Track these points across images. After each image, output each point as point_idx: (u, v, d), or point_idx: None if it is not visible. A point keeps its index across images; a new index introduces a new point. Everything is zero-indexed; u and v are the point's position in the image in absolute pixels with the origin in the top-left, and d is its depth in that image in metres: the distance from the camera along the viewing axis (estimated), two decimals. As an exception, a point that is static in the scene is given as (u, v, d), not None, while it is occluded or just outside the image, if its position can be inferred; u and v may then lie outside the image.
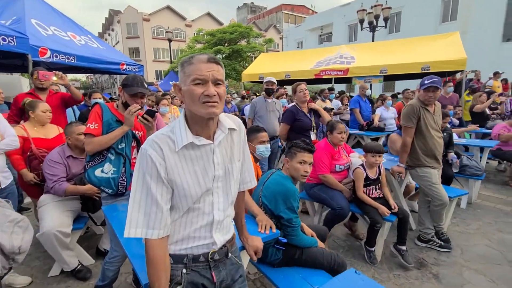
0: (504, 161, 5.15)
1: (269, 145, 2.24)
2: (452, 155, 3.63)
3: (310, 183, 2.86)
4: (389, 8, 11.20)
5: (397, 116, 5.84)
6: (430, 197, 2.71)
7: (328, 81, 8.38)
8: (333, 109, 4.75)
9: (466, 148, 4.94)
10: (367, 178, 2.60)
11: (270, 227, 1.57)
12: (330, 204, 2.63)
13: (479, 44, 13.16)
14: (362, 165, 2.66)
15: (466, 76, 7.37)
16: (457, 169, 3.68)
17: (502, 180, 4.75)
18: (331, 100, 6.28)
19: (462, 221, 3.35)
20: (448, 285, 2.30)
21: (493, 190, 4.32)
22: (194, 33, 25.21)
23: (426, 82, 2.49)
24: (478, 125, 5.47)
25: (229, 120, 1.07)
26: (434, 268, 2.50)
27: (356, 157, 2.89)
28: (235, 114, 5.31)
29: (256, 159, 2.23)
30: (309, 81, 9.18)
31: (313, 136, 3.33)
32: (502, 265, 2.51)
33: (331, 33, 23.32)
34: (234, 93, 9.81)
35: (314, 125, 3.37)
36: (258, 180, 1.97)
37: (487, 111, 5.81)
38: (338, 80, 8.55)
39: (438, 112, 2.73)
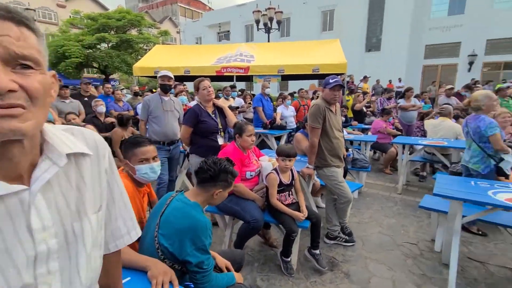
0: (378, 151, 6.09)
1: (156, 164, 1.62)
2: (350, 151, 3.93)
3: (219, 195, 2.48)
4: (281, 12, 11.94)
5: (295, 114, 6.14)
6: (337, 195, 2.75)
7: (229, 78, 8.20)
8: (238, 107, 4.51)
9: (351, 142, 5.59)
10: (280, 183, 2.40)
11: (171, 283, 1.09)
12: (243, 217, 2.32)
13: (349, 52, 15.69)
14: (275, 169, 2.45)
15: (343, 80, 8.51)
16: (350, 164, 4.01)
17: (378, 168, 5.58)
18: (234, 98, 6.07)
19: (357, 211, 3.64)
20: (359, 282, 2.33)
21: (373, 178, 4.98)
22: (70, 16, 20.99)
23: (331, 81, 2.47)
24: (357, 121, 6.32)
25: (71, 139, 0.56)
26: (344, 266, 2.53)
27: (266, 161, 2.67)
28: (130, 116, 4.38)
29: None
30: (210, 78, 8.80)
31: (220, 140, 2.95)
32: (394, 250, 2.76)
33: (229, 31, 23.56)
34: (123, 88, 8.45)
35: (221, 127, 2.99)
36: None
37: (364, 108, 6.79)
38: (239, 78, 8.49)
39: (339, 112, 2.79)
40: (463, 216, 2.18)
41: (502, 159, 2.58)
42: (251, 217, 2.26)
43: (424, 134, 4.86)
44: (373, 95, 8.26)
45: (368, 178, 4.83)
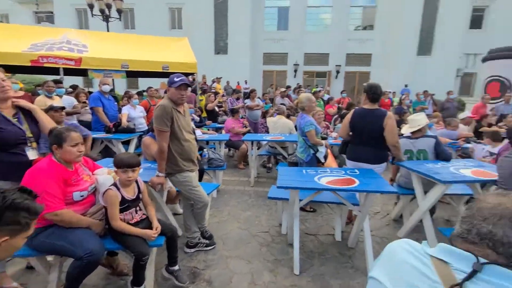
0: (232, 149, 6.47)
1: None
2: (205, 152, 3.86)
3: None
4: (121, 0, 10.61)
5: (145, 115, 5.57)
6: (193, 201, 2.60)
7: (53, 71, 6.47)
8: (63, 108, 3.54)
9: (207, 142, 5.64)
10: (123, 200, 1.99)
11: None
12: (72, 253, 1.76)
13: (200, 53, 16.02)
14: (114, 184, 2.00)
15: (194, 79, 8.56)
16: (206, 165, 3.98)
17: (233, 164, 5.92)
18: (60, 97, 4.81)
19: (217, 211, 3.65)
20: (221, 285, 2.29)
21: (229, 174, 5.22)
22: None
23: (176, 79, 2.26)
24: (211, 121, 6.47)
25: None
26: (206, 273, 2.43)
27: (105, 174, 2.16)
28: None
29: None
30: (21, 69, 6.67)
31: (31, 154, 2.15)
32: (251, 243, 2.92)
33: (52, 12, 18.89)
34: None
35: (32, 135, 2.19)
36: None
37: (216, 108, 7.04)
38: (69, 72, 6.87)
39: (187, 113, 2.63)
40: (300, 200, 2.53)
41: (317, 150, 3.22)
42: (83, 251, 1.74)
43: (267, 130, 5.52)
44: (223, 95, 8.75)
45: (224, 175, 5.00)
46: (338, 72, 18.41)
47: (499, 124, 6.20)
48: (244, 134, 5.55)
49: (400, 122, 5.51)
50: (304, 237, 3.01)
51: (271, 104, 7.47)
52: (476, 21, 17.23)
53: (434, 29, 16.34)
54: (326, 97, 9.14)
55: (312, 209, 3.62)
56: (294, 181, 2.38)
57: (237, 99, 6.93)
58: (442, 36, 16.17)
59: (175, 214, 3.41)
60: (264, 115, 6.17)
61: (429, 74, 16.07)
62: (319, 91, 9.00)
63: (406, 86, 14.73)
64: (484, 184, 3.00)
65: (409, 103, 9.28)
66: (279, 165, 4.26)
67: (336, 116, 6.77)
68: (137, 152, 4.99)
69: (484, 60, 10.06)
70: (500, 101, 7.78)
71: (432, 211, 3.05)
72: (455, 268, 0.68)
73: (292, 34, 18.25)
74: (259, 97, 8.35)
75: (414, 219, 2.82)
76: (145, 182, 2.38)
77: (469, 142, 4.47)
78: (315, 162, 3.33)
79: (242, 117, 6.48)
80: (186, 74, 8.07)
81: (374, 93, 2.83)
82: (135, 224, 2.03)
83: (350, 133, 3.03)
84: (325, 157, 3.38)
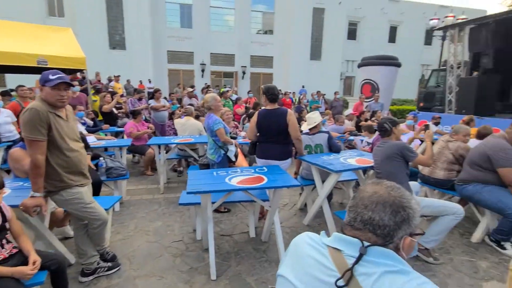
0: (137, 154, 5.88)
1: None
2: (101, 161, 3.35)
3: None
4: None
5: (16, 120, 4.48)
6: (87, 220, 2.20)
7: None
8: None
9: (105, 148, 4.96)
10: (-21, 235, 1.51)
11: None
12: None
13: (90, 47, 13.99)
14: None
15: (84, 78, 7.42)
16: (104, 175, 3.47)
17: (140, 170, 5.39)
18: None
19: (121, 226, 3.24)
20: (128, 312, 2.02)
21: (136, 183, 4.73)
22: None
23: (52, 77, 1.84)
24: (109, 124, 5.72)
25: None
26: (109, 302, 2.11)
27: None
28: None
29: None
30: None
31: None
32: (163, 256, 2.70)
33: None
34: None
35: None
36: None
37: (114, 110, 6.25)
38: None
39: (72, 117, 2.20)
40: (213, 203, 2.47)
41: (228, 149, 3.23)
42: None
43: (176, 133, 5.24)
44: (122, 95, 7.86)
45: (129, 185, 4.50)
46: (244, 73, 19.14)
47: (372, 118, 7.61)
48: (149, 137, 5.12)
49: (299, 120, 6.11)
50: (220, 239, 2.98)
51: (178, 105, 7.13)
52: (352, 33, 20.78)
53: (322, 38, 18.84)
54: (234, 97, 9.36)
55: (226, 210, 3.62)
56: (204, 185, 2.30)
57: (140, 99, 6.33)
58: (328, 44, 18.82)
59: (66, 238, 2.86)
60: (171, 116, 5.84)
61: (320, 76, 18.45)
62: (227, 91, 9.14)
63: (303, 87, 16.50)
64: (366, 170, 3.61)
65: (306, 102, 10.44)
66: (190, 168, 4.09)
67: (244, 115, 7.00)
68: (4, 168, 3.97)
69: (359, 66, 12.19)
70: (372, 100, 9.58)
71: (329, 197, 3.48)
72: (347, 255, 0.75)
73: (197, 33, 17.95)
74: (165, 97, 7.86)
75: (316, 206, 3.16)
76: (16, 206, 1.88)
77: (356, 135, 5.32)
78: (227, 162, 3.33)
79: (146, 120, 5.97)
80: (73, 71, 6.92)
81: (272, 94, 3.02)
82: (3, 262, 1.58)
83: (257, 133, 3.15)
84: (236, 156, 3.43)
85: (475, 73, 8.05)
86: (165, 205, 3.86)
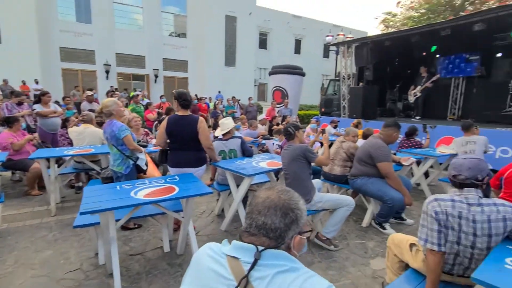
0: (18, 171, 4.82)
1: None
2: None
3: None
4: None
5: None
6: None
7: None
8: None
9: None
10: None
11: None
12: None
13: None
14: None
15: None
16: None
17: (22, 190, 4.43)
18: None
19: (-8, 264, 2.57)
20: None
21: (17, 205, 3.86)
22: None
23: None
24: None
25: None
26: None
27: None
28: None
29: None
30: None
31: None
32: (55, 290, 2.27)
33: None
34: None
35: None
36: None
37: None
38: None
39: None
40: (117, 220, 2.21)
41: (138, 158, 2.97)
42: None
43: (71, 142, 4.51)
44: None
45: (9, 209, 3.66)
46: (156, 76, 18.06)
47: (283, 123, 8.24)
48: (36, 148, 4.26)
49: (216, 125, 6.11)
50: (129, 260, 2.69)
51: (75, 111, 6.17)
52: (263, 43, 22.15)
53: (235, 45, 19.44)
54: (144, 101, 8.71)
55: (136, 225, 3.30)
56: (105, 202, 2.03)
57: (19, 104, 5.21)
58: (242, 52, 19.55)
59: None
60: (65, 124, 5.00)
61: (235, 82, 18.97)
62: (137, 95, 8.44)
63: (219, 92, 16.64)
64: (278, 171, 3.86)
65: (222, 108, 10.55)
66: (90, 183, 3.57)
67: (156, 122, 6.59)
68: None
69: (269, 74, 13.06)
70: (282, 106, 10.38)
71: (245, 200, 3.57)
72: (244, 262, 0.76)
73: (98, 30, 15.99)
74: (57, 102, 6.71)
75: (232, 210, 3.19)
76: None
77: (268, 139, 5.63)
78: (135, 173, 3.04)
79: (29, 129, 4.95)
80: None
81: (184, 99, 2.93)
82: None
83: (168, 140, 2.99)
84: (146, 165, 3.17)
85: (361, 84, 9.63)
86: (58, 229, 3.27)
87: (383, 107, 10.54)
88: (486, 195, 1.57)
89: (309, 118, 13.54)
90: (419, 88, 8.35)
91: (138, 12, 17.59)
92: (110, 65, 16.52)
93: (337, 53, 14.37)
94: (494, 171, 2.87)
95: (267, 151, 5.16)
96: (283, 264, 0.74)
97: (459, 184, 1.54)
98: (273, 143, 4.93)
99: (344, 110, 9.85)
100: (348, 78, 9.72)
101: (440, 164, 4.80)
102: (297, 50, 23.41)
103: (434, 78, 8.08)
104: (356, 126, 6.12)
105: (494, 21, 6.22)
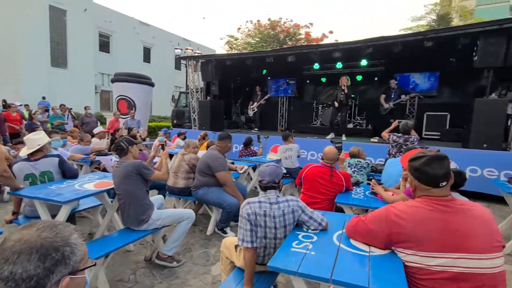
0: None
1: None
2: None
3: None
4: None
5: None
6: None
7: None
8: None
9: None
10: None
11: None
12: None
13: None
14: None
15: None
16: None
17: None
18: None
19: None
20: None
21: None
22: None
23: None
24: None
25: None
26: None
27: None
28: None
29: None
30: None
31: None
32: None
33: None
34: None
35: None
36: None
37: None
38: None
39: None
40: None
41: None
42: None
43: None
44: None
45: None
46: None
47: (129, 135, 7.50)
48: None
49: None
50: None
51: None
52: (105, 46, 19.63)
53: (66, 43, 16.22)
54: None
55: None
56: None
57: None
58: (76, 52, 16.53)
59: None
60: None
61: (68, 87, 15.78)
62: None
63: (43, 98, 13.31)
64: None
65: (44, 118, 8.44)
66: None
67: None
68: None
69: (113, 81, 11.69)
70: (128, 117, 9.48)
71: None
72: None
73: None
74: None
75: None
76: None
77: (105, 154, 4.89)
78: None
79: None
80: None
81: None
82: None
83: None
84: None
85: (208, 97, 10.23)
86: None
87: (229, 119, 11.62)
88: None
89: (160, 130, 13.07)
90: (255, 104, 9.77)
91: None
92: None
93: (186, 66, 14.73)
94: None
95: (104, 170, 4.50)
96: None
97: (264, 187, 1.86)
98: (111, 159, 4.36)
99: (194, 122, 10.13)
100: (197, 92, 10.10)
101: (270, 168, 5.74)
102: (147, 59, 22.25)
103: (266, 97, 9.68)
104: (204, 137, 6.40)
105: (302, 55, 8.17)
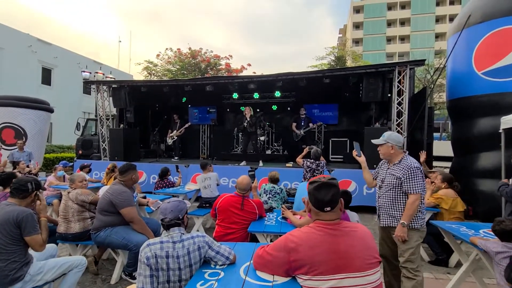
0: None
1: None
2: None
3: None
4: None
5: None
6: None
7: None
8: None
9: None
10: None
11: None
12: None
13: None
14: None
15: None
16: None
17: None
18: None
19: None
20: None
21: None
22: None
23: None
24: None
25: None
26: None
27: None
28: None
29: None
30: None
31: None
32: None
33: None
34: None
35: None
36: None
37: None
38: None
39: None
40: None
41: None
42: None
43: None
44: None
45: None
46: None
47: (14, 170, 6.16)
48: None
49: None
50: None
51: None
52: (-12, 63, 16.31)
53: None
54: None
55: None
56: None
57: None
58: None
59: None
60: None
61: None
62: None
63: None
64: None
65: None
66: None
67: None
68: None
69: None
70: (15, 148, 7.87)
71: None
72: None
73: None
74: None
75: None
76: None
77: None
78: None
79: None
80: None
81: None
82: None
83: None
84: None
85: (121, 125, 9.41)
86: None
87: (147, 148, 10.85)
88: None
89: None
90: (175, 132, 9.43)
91: None
92: None
93: (96, 91, 13.38)
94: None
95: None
96: None
97: (166, 226, 1.72)
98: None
99: (104, 152, 9.08)
100: (107, 119, 9.19)
101: (189, 199, 5.48)
102: (46, 81, 19.35)
103: (186, 125, 9.47)
104: (112, 170, 5.76)
105: (220, 85, 8.40)
